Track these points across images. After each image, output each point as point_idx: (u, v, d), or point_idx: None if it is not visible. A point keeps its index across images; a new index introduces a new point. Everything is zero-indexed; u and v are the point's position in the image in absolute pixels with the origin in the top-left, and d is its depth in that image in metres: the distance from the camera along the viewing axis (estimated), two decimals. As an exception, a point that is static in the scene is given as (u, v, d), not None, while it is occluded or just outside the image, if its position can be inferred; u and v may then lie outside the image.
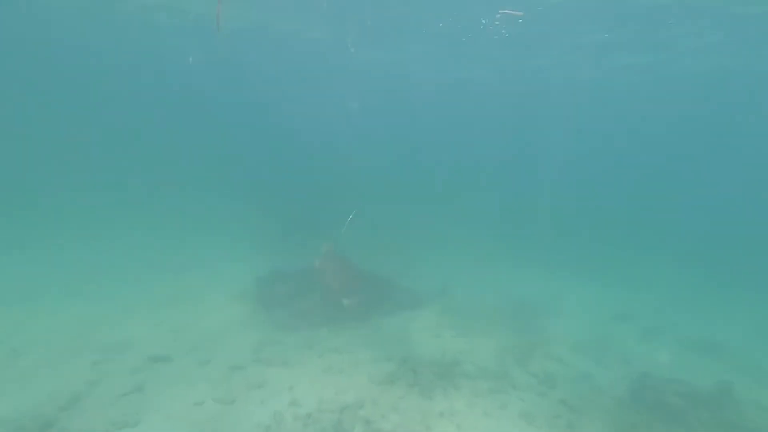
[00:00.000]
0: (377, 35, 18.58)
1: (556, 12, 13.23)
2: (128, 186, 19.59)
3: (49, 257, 12.96)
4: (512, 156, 43.90)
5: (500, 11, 13.26)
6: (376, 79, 29.81)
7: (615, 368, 9.13)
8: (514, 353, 9.29)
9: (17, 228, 15.12)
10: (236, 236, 16.24)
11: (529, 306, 12.08)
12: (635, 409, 7.60)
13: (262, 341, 9.04)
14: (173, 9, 16.13)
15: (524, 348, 9.56)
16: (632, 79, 22.96)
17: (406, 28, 17.39)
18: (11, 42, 22.32)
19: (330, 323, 9.95)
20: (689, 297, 14.07)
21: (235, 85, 36.74)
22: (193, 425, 6.28)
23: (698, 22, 13.43)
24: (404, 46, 20.44)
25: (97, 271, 12.23)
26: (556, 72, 22.84)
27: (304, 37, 19.36)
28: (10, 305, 9.65)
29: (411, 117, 46.05)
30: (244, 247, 15.10)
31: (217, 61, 25.35)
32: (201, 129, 38.74)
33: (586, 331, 10.73)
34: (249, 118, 45.28)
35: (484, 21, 14.87)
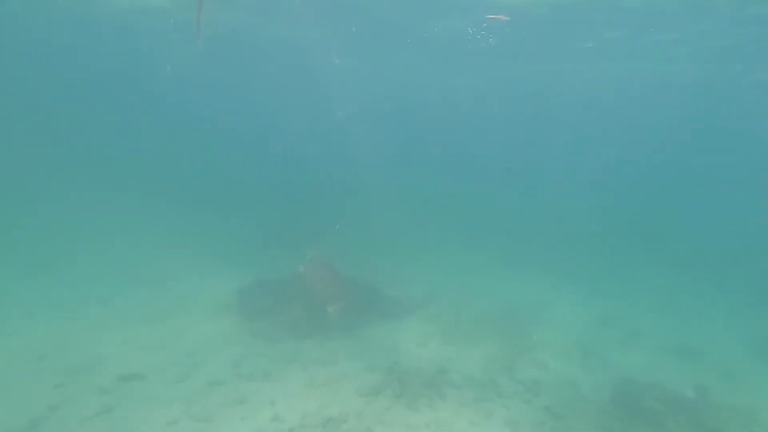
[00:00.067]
0: (361, 43, 18.66)
1: (556, 15, 13.26)
2: (101, 196, 18.81)
3: (12, 272, 12.24)
4: (502, 162, 44.71)
5: (487, 16, 13.41)
6: (361, 85, 29.87)
7: (597, 374, 9.26)
8: (501, 361, 9.30)
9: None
10: (216, 246, 15.80)
11: (516, 312, 12.14)
12: (616, 414, 7.73)
13: (243, 354, 8.76)
14: (153, 12, 15.81)
15: (510, 355, 9.58)
16: (620, 85, 23.62)
17: (390, 36, 17.53)
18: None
19: (314, 334, 9.74)
20: (670, 302, 14.44)
21: (214, 91, 36.21)
22: (168, 446, 6.01)
23: (696, 26, 13.62)
24: (389, 53, 20.59)
25: (66, 286, 11.58)
26: (548, 77, 23.31)
27: (285, 42, 19.30)
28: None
29: (398, 121, 46.39)
30: (226, 257, 14.69)
31: (196, 67, 24.96)
32: (178, 136, 37.97)
33: (571, 337, 10.86)
34: (228, 125, 44.67)
35: (471, 30, 15.05)
